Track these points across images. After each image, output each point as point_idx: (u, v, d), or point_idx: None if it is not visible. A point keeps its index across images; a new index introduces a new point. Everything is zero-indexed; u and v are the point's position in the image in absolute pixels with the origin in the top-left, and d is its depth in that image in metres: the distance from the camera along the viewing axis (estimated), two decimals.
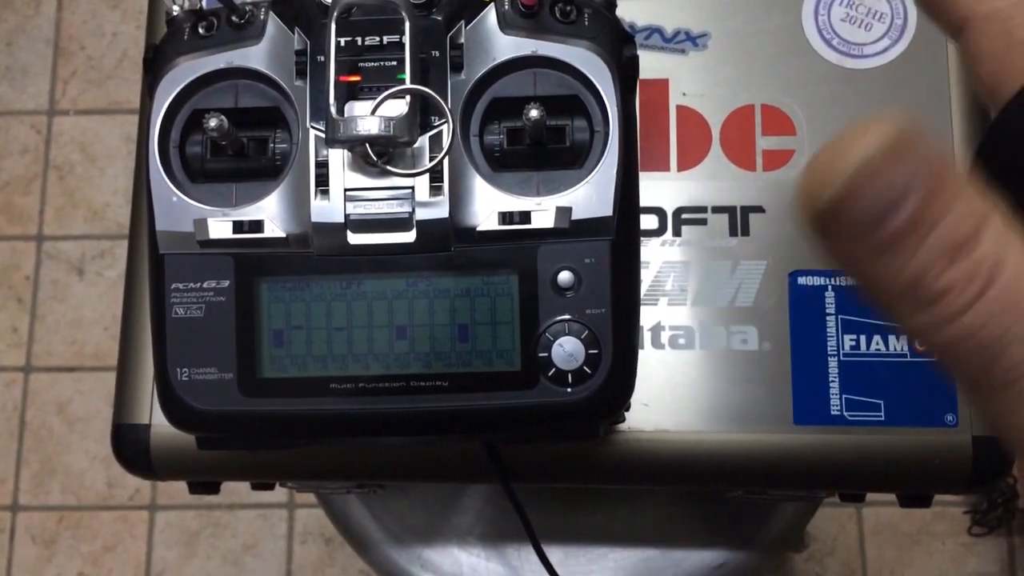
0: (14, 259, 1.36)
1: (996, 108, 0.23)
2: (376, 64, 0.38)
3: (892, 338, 0.46)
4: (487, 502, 0.65)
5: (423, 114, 0.37)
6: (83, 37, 1.44)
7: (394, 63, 0.38)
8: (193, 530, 1.27)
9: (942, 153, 0.19)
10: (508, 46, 0.39)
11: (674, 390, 0.46)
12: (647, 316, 0.46)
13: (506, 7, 0.39)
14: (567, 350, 0.38)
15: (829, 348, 0.46)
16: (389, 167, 0.36)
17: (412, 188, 0.37)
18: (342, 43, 0.38)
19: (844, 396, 0.46)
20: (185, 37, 0.40)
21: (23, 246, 1.37)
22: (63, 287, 1.35)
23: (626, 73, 0.39)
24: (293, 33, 0.39)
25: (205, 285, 0.39)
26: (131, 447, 0.47)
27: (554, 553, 0.63)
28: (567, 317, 0.38)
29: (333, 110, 0.36)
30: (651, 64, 0.49)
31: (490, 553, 0.64)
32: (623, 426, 0.45)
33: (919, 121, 0.18)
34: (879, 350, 0.46)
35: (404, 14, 0.37)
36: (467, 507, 0.65)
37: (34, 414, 1.32)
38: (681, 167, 0.48)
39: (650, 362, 0.46)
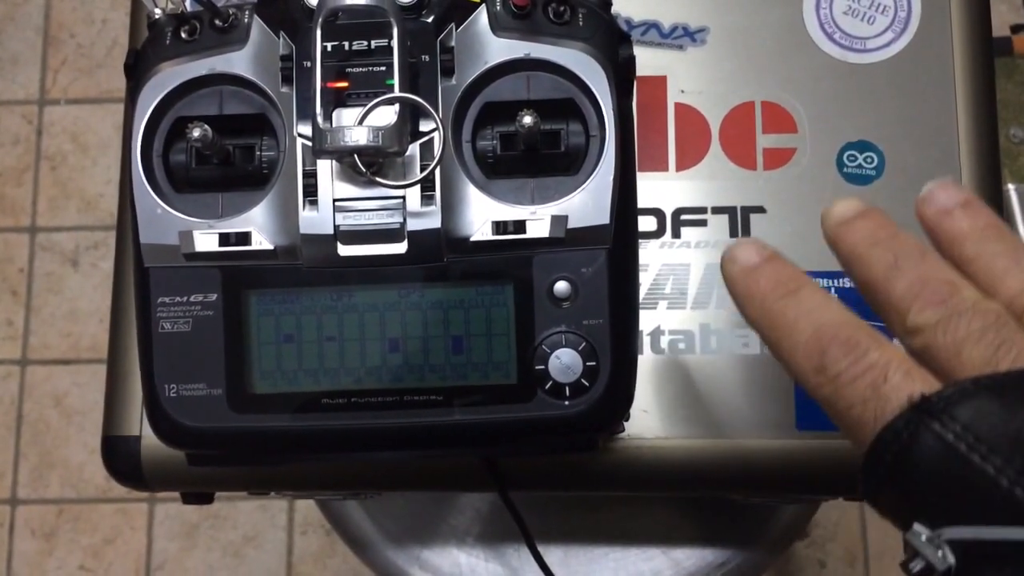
0: (7, 251, 1.35)
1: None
2: (364, 69, 0.37)
3: (896, 342, 0.45)
4: (485, 502, 0.65)
5: (413, 121, 0.36)
6: (73, 25, 1.42)
7: (383, 68, 0.36)
8: (193, 522, 1.27)
9: None
10: (500, 49, 0.38)
11: (674, 396, 0.45)
12: (646, 320, 0.45)
13: (498, 8, 0.38)
14: (564, 362, 0.37)
15: None
16: (378, 178, 0.35)
17: (403, 198, 0.36)
18: (328, 48, 0.36)
19: None
20: (167, 42, 0.39)
21: (16, 238, 1.35)
22: (58, 279, 1.34)
23: (622, 75, 0.38)
24: (278, 37, 0.38)
25: (192, 299, 0.38)
26: (122, 459, 0.46)
27: (553, 553, 0.62)
28: (564, 328, 0.37)
29: (320, 119, 0.35)
30: (648, 60, 0.47)
31: (489, 553, 0.64)
32: (623, 434, 0.45)
33: None
34: None
35: (392, 18, 0.35)
36: (465, 507, 0.65)
37: (31, 407, 1.31)
38: (680, 167, 0.47)
39: (650, 367, 0.45)
